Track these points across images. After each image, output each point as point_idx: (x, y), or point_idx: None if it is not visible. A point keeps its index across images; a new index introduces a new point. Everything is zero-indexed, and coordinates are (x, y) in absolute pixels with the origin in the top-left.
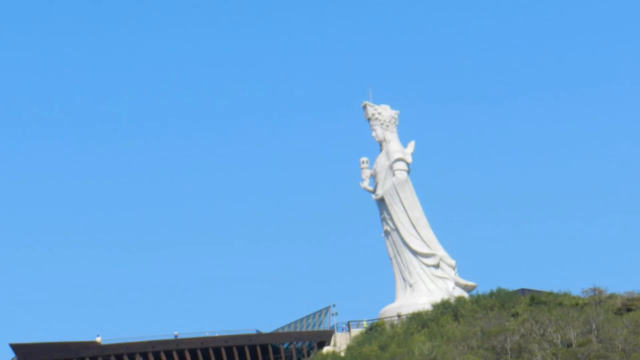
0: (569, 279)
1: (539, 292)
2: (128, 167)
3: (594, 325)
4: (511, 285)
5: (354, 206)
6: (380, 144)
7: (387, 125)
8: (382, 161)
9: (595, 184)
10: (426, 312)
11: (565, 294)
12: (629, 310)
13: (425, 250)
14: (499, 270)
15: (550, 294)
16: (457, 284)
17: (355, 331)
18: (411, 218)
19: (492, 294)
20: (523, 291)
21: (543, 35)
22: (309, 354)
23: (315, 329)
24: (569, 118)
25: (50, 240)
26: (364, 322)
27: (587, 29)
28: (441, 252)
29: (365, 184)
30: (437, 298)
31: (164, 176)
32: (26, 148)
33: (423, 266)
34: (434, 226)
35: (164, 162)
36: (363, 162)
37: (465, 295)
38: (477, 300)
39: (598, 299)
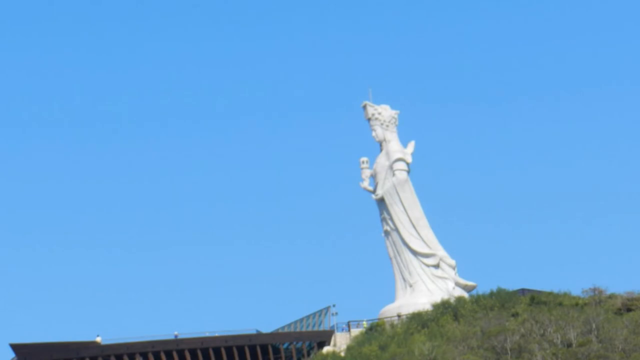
0: (569, 279)
1: (539, 292)
2: (128, 167)
3: (594, 325)
4: (511, 285)
5: (354, 206)
6: (380, 144)
7: (387, 125)
8: (382, 161)
9: (595, 184)
10: (426, 312)
11: (565, 294)
12: (629, 310)
13: (425, 250)
14: (499, 270)
15: (550, 294)
16: (457, 284)
17: (355, 331)
18: (411, 218)
19: (492, 294)
20: (523, 291)
21: (543, 35)
22: (309, 354)
23: (315, 329)
24: (569, 118)
25: (50, 240)
26: (364, 322)
27: (587, 29)
28: (441, 252)
29: (365, 184)
30: (437, 298)
31: (164, 176)
32: (26, 148)
33: (423, 266)
34: (434, 226)
35: (164, 162)
36: (363, 162)
37: (465, 295)
38: (477, 300)
39: (598, 299)
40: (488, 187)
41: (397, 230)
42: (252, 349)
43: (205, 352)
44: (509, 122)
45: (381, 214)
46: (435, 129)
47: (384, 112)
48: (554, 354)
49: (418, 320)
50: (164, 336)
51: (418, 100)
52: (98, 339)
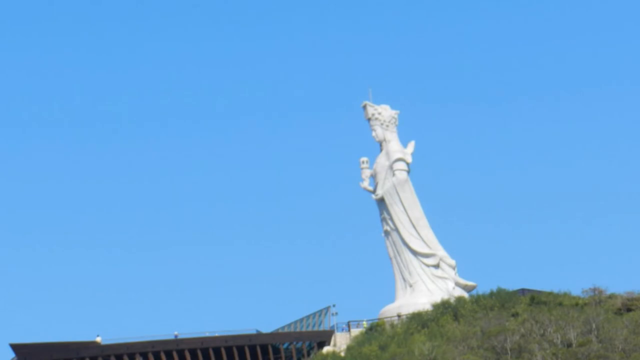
0: (569, 279)
1: (539, 292)
2: (128, 167)
3: (594, 325)
4: (511, 285)
5: (354, 206)
6: (380, 144)
7: (387, 125)
8: (382, 161)
9: (595, 184)
10: (426, 312)
11: (565, 294)
12: (629, 310)
13: (425, 250)
14: (499, 270)
15: (550, 294)
16: (457, 284)
17: (355, 331)
18: (411, 218)
19: (492, 294)
20: (523, 291)
21: (543, 35)
22: (309, 354)
23: (315, 329)
24: (569, 118)
25: (50, 240)
26: (364, 322)
27: (587, 29)
28: (441, 252)
29: (365, 184)
30: (437, 298)
31: (164, 176)
32: (26, 148)
33: (423, 266)
34: (434, 226)
35: (164, 162)
36: (363, 162)
37: (465, 295)
38: (477, 300)
39: (598, 299)
40: (488, 187)
41: (397, 230)
42: (252, 349)
43: (205, 352)
44: (509, 122)
45: (381, 214)
46: (435, 129)
47: (384, 112)
48: (554, 354)
49: (418, 320)
50: (164, 336)
51: (418, 100)
52: (98, 339)
